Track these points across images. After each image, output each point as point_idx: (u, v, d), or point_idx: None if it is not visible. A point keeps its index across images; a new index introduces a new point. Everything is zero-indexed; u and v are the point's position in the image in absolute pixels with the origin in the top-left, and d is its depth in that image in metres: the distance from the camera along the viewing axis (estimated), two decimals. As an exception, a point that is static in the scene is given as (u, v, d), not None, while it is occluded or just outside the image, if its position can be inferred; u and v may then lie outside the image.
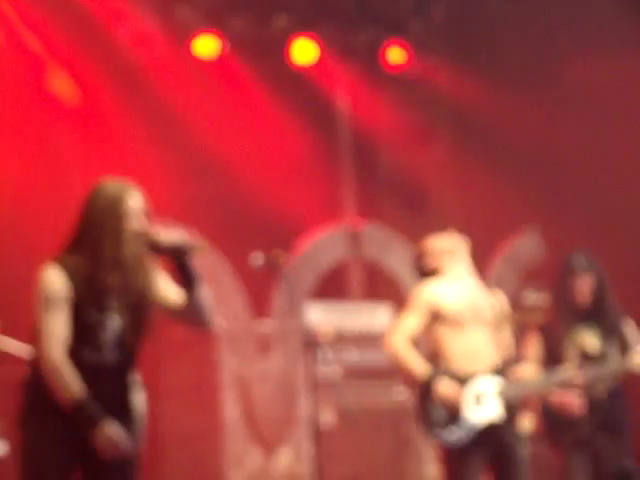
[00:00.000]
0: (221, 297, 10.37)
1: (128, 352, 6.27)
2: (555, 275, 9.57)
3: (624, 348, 8.77)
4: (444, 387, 8.16)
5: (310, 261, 10.76)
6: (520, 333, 9.92)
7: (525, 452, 8.27)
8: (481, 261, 10.64)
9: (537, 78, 11.46)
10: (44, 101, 10.96)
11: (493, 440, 8.18)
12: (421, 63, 12.07)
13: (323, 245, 11.01)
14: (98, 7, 10.88)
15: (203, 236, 10.22)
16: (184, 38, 11.40)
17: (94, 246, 6.19)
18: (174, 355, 10.49)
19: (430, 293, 8.39)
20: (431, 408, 8.18)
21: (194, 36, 11.43)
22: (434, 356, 8.30)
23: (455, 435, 8.14)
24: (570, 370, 8.54)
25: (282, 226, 10.85)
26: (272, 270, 8.12)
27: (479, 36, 11.73)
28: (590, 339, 8.80)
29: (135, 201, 6.21)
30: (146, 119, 10.95)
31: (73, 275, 6.16)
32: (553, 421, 8.75)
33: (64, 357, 6.09)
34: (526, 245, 11.22)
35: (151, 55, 11.15)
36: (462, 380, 8.17)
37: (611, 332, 8.80)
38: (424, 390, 8.19)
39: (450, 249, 8.46)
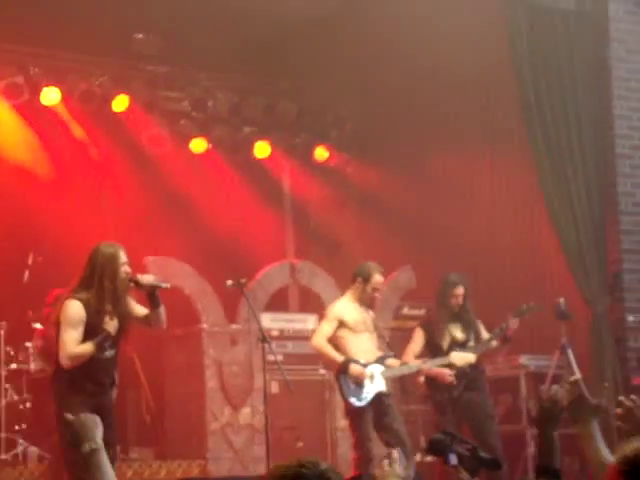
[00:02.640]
0: (205, 307, 10.32)
1: (116, 348, 6.64)
2: (427, 295, 9.57)
3: (478, 338, 8.82)
4: (355, 368, 8.20)
5: (263, 284, 10.72)
6: (405, 332, 9.98)
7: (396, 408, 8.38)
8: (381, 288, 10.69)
9: (413, 166, 11.41)
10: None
11: (380, 400, 8.26)
12: (337, 158, 12.12)
13: (272, 274, 10.98)
14: (126, 118, 10.87)
15: (197, 270, 10.27)
16: (185, 140, 11.42)
17: (98, 286, 6.50)
18: (173, 346, 10.43)
19: (338, 309, 8.47)
20: (345, 381, 8.21)
21: (191, 138, 11.45)
22: (338, 350, 8.35)
23: (361, 399, 8.19)
24: (417, 364, 8.59)
25: (245, 261, 10.84)
26: (239, 290, 8.15)
27: (375, 141, 11.79)
28: (458, 332, 8.86)
29: (123, 256, 6.57)
30: (156, 193, 10.95)
31: (85, 305, 6.44)
32: (433, 387, 8.71)
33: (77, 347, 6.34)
34: (403, 276, 11.23)
35: (161, 150, 11.15)
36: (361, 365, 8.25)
37: (470, 327, 8.80)
38: (341, 370, 8.21)
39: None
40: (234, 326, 10.40)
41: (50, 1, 9.31)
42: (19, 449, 9.06)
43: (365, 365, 8.25)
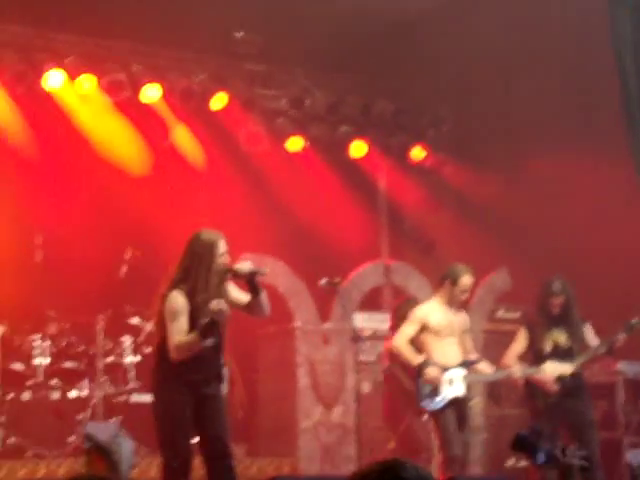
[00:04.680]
0: (298, 305, 10.34)
1: (218, 338, 6.37)
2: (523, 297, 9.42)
3: (584, 344, 8.61)
4: (430, 372, 8.11)
5: (357, 284, 10.70)
6: (500, 335, 9.85)
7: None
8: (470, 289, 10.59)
9: (510, 167, 11.33)
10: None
11: (458, 405, 8.15)
12: (434, 158, 12.03)
13: (366, 274, 10.95)
14: (225, 115, 10.93)
15: (292, 268, 10.29)
16: (281, 138, 11.45)
17: (196, 276, 6.33)
18: (267, 343, 10.47)
19: (423, 311, 8.37)
20: (421, 385, 8.12)
21: (287, 137, 11.47)
22: (421, 353, 8.26)
23: (434, 403, 8.09)
24: (506, 371, 8.44)
25: (340, 261, 10.81)
26: (332, 289, 8.12)
27: (473, 141, 11.67)
28: (562, 337, 8.71)
29: (222, 245, 6.38)
30: (252, 191, 10.99)
31: (188, 296, 6.30)
32: (530, 392, 8.53)
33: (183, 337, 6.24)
34: (499, 278, 11.11)
35: (258, 148, 11.19)
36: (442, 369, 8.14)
37: (576, 333, 8.59)
38: (417, 373, 8.13)
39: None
40: (327, 325, 10.39)
41: (152, -1, 9.41)
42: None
43: (445, 369, 8.16)
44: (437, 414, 8.13)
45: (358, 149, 11.74)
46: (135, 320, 9.86)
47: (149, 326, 9.83)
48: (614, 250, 10.44)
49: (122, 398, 9.55)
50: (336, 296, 8.80)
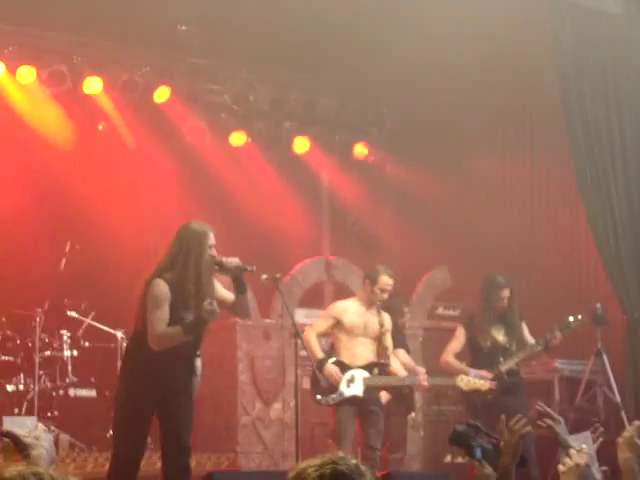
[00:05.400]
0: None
1: (199, 334, 6.34)
2: (462, 295, 9.48)
3: (521, 342, 8.72)
4: (329, 368, 8.15)
5: (298, 280, 10.69)
6: (439, 332, 9.93)
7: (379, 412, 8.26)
8: (409, 285, 10.67)
9: (452, 166, 11.40)
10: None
11: (360, 404, 8.18)
12: (376, 156, 12.07)
13: (307, 269, 10.96)
14: (167, 109, 10.86)
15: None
16: (224, 133, 11.41)
17: (182, 266, 6.25)
18: (208, 338, 10.36)
19: (338, 308, 8.42)
20: (320, 378, 8.17)
21: (230, 131, 11.43)
22: (334, 349, 8.33)
23: (327, 399, 8.16)
24: (414, 378, 8.50)
25: (281, 256, 10.81)
26: (274, 285, 8.10)
27: (415, 140, 11.72)
28: (501, 335, 8.76)
29: (212, 236, 6.30)
30: (194, 185, 10.95)
31: (170, 285, 6.21)
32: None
33: (166, 328, 6.16)
34: (438, 276, 11.17)
35: (201, 143, 11.14)
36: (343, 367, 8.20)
37: (514, 331, 8.71)
38: (317, 366, 8.15)
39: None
40: (268, 321, 10.38)
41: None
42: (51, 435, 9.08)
43: (348, 368, 8.21)
44: (336, 409, 8.22)
45: (301, 145, 11.75)
46: (74, 314, 9.78)
47: (88, 320, 9.76)
48: (552, 249, 10.57)
49: (60, 392, 9.46)
50: (277, 292, 8.78)
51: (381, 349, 8.33)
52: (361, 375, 8.23)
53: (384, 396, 8.49)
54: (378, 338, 8.33)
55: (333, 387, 8.18)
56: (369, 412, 8.23)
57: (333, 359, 8.20)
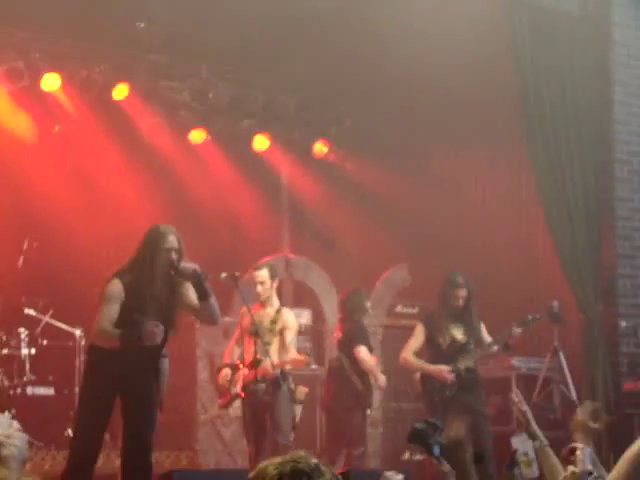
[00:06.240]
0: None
1: (165, 335, 6.27)
2: (422, 293, 9.50)
3: (479, 341, 8.79)
4: (224, 371, 8.43)
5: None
6: (398, 330, 9.97)
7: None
8: (369, 284, 10.70)
9: (412, 165, 11.42)
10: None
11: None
12: (336, 154, 12.09)
13: (266, 268, 10.95)
14: (126, 106, 10.81)
15: (193, 261, 10.19)
16: (184, 130, 11.38)
17: (139, 268, 6.21)
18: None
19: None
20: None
21: (190, 129, 11.42)
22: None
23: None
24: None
25: (240, 254, 10.83)
26: (232, 283, 8.11)
27: (375, 139, 11.75)
28: (459, 333, 8.82)
29: (170, 240, 6.25)
30: (153, 183, 10.91)
31: (125, 287, 6.17)
32: (428, 386, 8.70)
33: (111, 328, 6.10)
34: (398, 274, 11.22)
35: (160, 140, 11.10)
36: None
37: (472, 330, 8.75)
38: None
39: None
40: (227, 319, 10.36)
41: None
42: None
43: (237, 368, 8.40)
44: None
45: (261, 143, 11.75)
46: (31, 311, 9.72)
47: (45, 318, 9.71)
48: (512, 248, 10.64)
49: (17, 391, 9.40)
50: (236, 290, 8.78)
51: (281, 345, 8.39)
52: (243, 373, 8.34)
53: (302, 390, 8.45)
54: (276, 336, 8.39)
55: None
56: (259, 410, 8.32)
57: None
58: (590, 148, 9.70)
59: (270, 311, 8.41)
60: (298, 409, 8.23)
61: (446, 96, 10.70)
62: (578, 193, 9.62)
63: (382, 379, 8.86)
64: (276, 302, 8.51)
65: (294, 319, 8.52)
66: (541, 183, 9.62)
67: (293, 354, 8.38)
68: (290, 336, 8.38)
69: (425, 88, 10.75)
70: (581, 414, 4.76)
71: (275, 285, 8.50)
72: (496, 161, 10.86)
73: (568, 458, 4.37)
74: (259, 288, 8.44)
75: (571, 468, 3.73)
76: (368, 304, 9.37)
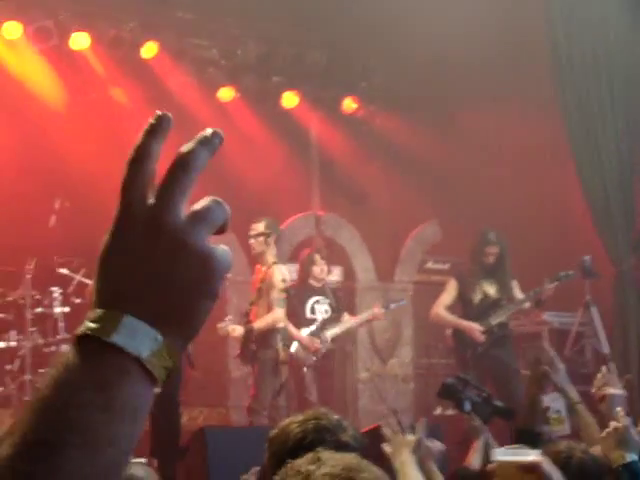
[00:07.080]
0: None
1: None
2: (452, 249, 9.46)
3: (511, 297, 8.77)
4: None
5: (288, 235, 10.68)
6: (429, 285, 9.95)
7: None
8: (399, 240, 10.68)
9: (442, 120, 11.39)
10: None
11: None
12: (365, 110, 12.02)
13: (297, 225, 10.95)
14: (155, 65, 10.78)
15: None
16: (212, 88, 11.34)
17: None
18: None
19: None
20: None
21: (218, 87, 11.37)
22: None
23: None
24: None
25: (270, 211, 10.78)
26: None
27: (404, 94, 11.67)
28: (492, 289, 8.79)
29: None
30: (183, 141, 10.85)
31: None
32: (460, 341, 8.70)
33: None
34: (428, 230, 11.18)
35: (189, 98, 11.06)
36: None
37: (505, 286, 8.74)
38: None
39: None
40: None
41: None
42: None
43: None
44: None
45: (290, 100, 11.69)
46: (64, 271, 9.77)
47: (78, 277, 9.75)
48: (542, 204, 10.57)
49: (52, 349, 9.47)
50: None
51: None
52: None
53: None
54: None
55: None
56: None
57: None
58: (622, 99, 9.58)
59: (263, 269, 8.37)
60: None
61: (476, 50, 10.58)
62: (610, 147, 9.52)
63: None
64: (270, 259, 8.44)
65: (280, 277, 8.37)
66: (572, 136, 9.53)
67: (278, 313, 8.26)
68: (274, 294, 8.28)
69: (455, 42, 10.63)
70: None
71: (271, 242, 8.41)
72: (527, 114, 10.75)
73: (600, 405, 4.35)
74: (252, 241, 8.41)
75: (613, 424, 3.68)
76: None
